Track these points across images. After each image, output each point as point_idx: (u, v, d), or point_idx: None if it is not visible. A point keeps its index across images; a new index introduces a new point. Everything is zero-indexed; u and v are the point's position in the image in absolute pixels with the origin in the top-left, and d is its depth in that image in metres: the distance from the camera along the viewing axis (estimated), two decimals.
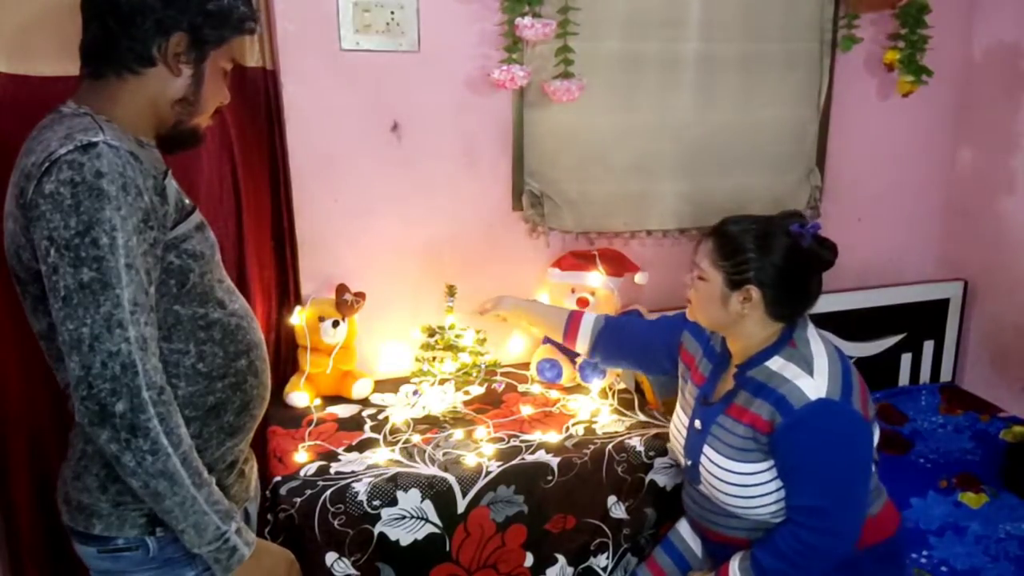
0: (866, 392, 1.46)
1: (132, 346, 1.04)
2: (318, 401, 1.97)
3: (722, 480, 1.47)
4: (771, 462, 1.43)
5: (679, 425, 1.62)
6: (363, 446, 1.77)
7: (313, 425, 1.86)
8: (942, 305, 2.62)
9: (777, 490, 1.44)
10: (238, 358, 1.25)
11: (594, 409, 1.96)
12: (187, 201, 1.23)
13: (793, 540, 1.40)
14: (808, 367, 1.41)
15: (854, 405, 1.40)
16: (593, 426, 1.89)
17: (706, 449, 1.50)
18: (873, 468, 1.49)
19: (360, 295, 2.00)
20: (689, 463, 1.57)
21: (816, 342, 1.46)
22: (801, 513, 1.41)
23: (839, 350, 1.47)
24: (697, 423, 1.55)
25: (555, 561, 1.76)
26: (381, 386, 2.05)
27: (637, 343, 1.79)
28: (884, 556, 1.52)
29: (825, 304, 1.58)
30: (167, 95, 1.18)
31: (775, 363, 1.44)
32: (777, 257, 1.43)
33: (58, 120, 1.11)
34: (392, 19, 1.93)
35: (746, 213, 1.55)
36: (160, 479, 1.07)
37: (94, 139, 1.04)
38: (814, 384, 1.39)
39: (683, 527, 1.72)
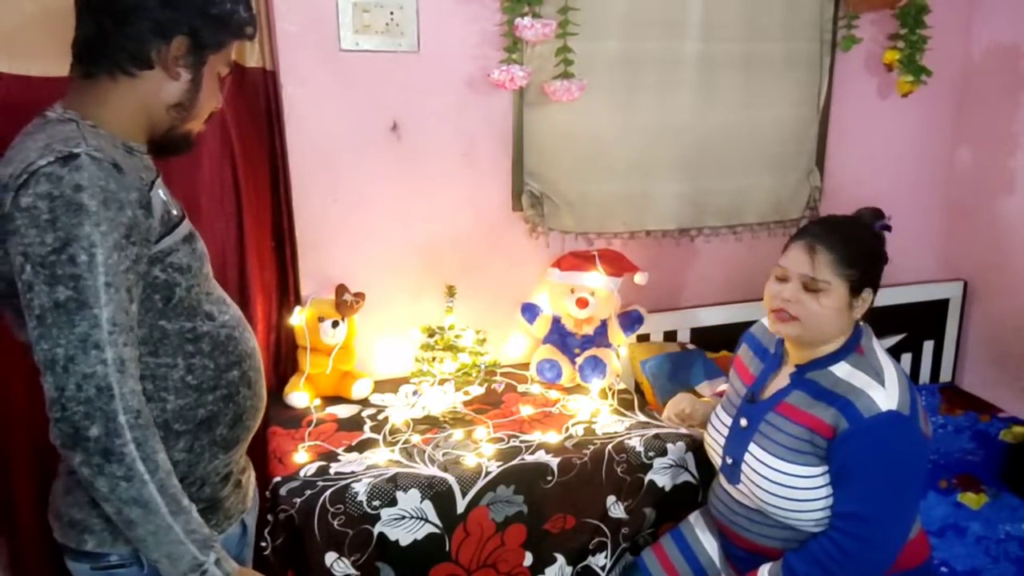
0: (925, 412, 1.44)
1: (109, 368, 1.00)
2: (318, 401, 1.97)
3: (767, 479, 1.44)
4: (824, 468, 1.40)
5: (718, 424, 1.59)
6: (363, 446, 1.77)
7: (313, 425, 1.86)
8: (942, 305, 2.63)
9: (826, 497, 1.41)
10: (229, 369, 1.22)
11: (594, 409, 1.96)
12: (175, 212, 1.19)
13: (832, 547, 1.37)
14: (879, 377, 1.39)
15: (920, 423, 1.38)
16: (593, 426, 1.89)
17: (752, 447, 1.47)
18: None
19: (360, 295, 2.00)
20: (730, 461, 1.53)
21: (882, 353, 1.46)
22: (846, 520, 1.38)
23: (902, 367, 1.47)
24: (743, 421, 1.52)
25: (554, 561, 1.76)
26: (381, 386, 2.05)
27: None
28: None
29: None
30: (162, 99, 1.15)
31: (841, 369, 1.43)
32: (877, 256, 1.49)
33: (41, 127, 1.07)
34: (392, 19, 1.93)
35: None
36: (133, 506, 1.03)
37: (75, 150, 1.00)
38: (886, 395, 1.37)
39: (698, 524, 1.70)
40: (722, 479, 1.59)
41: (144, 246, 1.08)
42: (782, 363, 1.55)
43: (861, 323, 1.50)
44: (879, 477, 1.36)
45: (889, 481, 1.36)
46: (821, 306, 1.43)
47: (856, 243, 1.46)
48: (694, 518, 1.73)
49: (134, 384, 1.04)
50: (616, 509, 1.78)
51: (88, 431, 0.99)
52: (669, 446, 1.82)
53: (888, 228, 1.52)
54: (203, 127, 1.26)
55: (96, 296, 0.99)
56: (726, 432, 1.57)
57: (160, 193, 1.15)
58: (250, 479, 1.38)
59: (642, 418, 1.94)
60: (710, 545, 1.67)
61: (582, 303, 2.08)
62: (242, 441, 1.29)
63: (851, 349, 1.44)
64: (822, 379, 1.43)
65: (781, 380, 1.52)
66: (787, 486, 1.42)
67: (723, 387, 1.69)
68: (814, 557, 1.38)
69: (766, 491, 1.44)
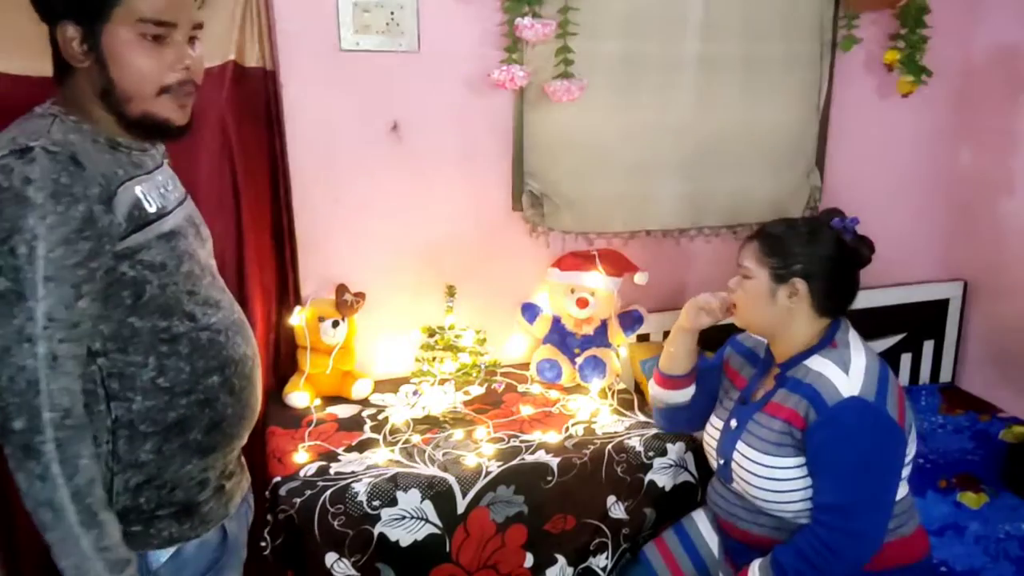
0: (903, 400, 1.47)
1: (39, 363, 0.99)
2: (318, 401, 1.97)
3: (753, 474, 1.48)
4: (803, 459, 1.44)
5: (713, 429, 1.64)
6: (363, 446, 1.77)
7: (313, 425, 1.86)
8: (942, 305, 2.63)
9: (805, 488, 1.45)
10: (209, 375, 1.18)
11: (594, 409, 1.96)
12: (151, 209, 1.13)
13: (814, 539, 1.40)
14: (845, 366, 1.44)
15: (887, 408, 1.41)
16: (593, 426, 1.89)
17: (739, 445, 1.52)
18: (907, 487, 1.51)
19: (360, 295, 2.00)
20: (722, 462, 1.59)
21: (857, 345, 1.49)
22: (824, 511, 1.41)
23: (881, 358, 1.50)
24: (733, 422, 1.58)
25: (555, 561, 1.76)
26: (381, 386, 2.05)
27: (710, 386, 1.75)
28: None
29: None
30: (93, 88, 1.10)
31: (814, 362, 1.47)
32: (822, 250, 1.50)
33: (20, 122, 1.07)
34: (392, 19, 1.93)
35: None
36: (46, 508, 1.01)
37: (32, 143, 1.00)
38: (848, 382, 1.41)
39: (701, 520, 1.72)
40: (719, 479, 1.63)
41: (102, 242, 1.05)
42: (771, 366, 1.59)
43: (842, 319, 1.54)
44: (849, 465, 1.39)
45: (859, 468, 1.39)
46: (745, 292, 1.54)
47: (789, 236, 1.51)
48: (697, 513, 1.75)
49: (68, 382, 1.02)
50: (616, 509, 1.78)
51: (12, 423, 0.99)
52: (669, 446, 1.82)
53: (846, 227, 1.52)
54: (175, 104, 1.13)
55: (33, 289, 0.99)
56: (718, 435, 1.61)
57: (137, 189, 1.12)
58: (238, 485, 1.32)
59: (642, 418, 1.93)
60: (711, 539, 1.69)
61: (582, 303, 2.08)
62: (222, 448, 1.24)
63: (825, 344, 1.50)
64: (797, 373, 1.49)
65: (769, 382, 1.57)
66: (770, 478, 1.46)
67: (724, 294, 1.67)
68: (799, 549, 1.42)
69: (754, 486, 1.49)
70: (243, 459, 1.37)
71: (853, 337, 1.52)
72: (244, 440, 1.30)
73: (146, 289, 1.11)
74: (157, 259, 1.12)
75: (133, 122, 1.12)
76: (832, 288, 1.50)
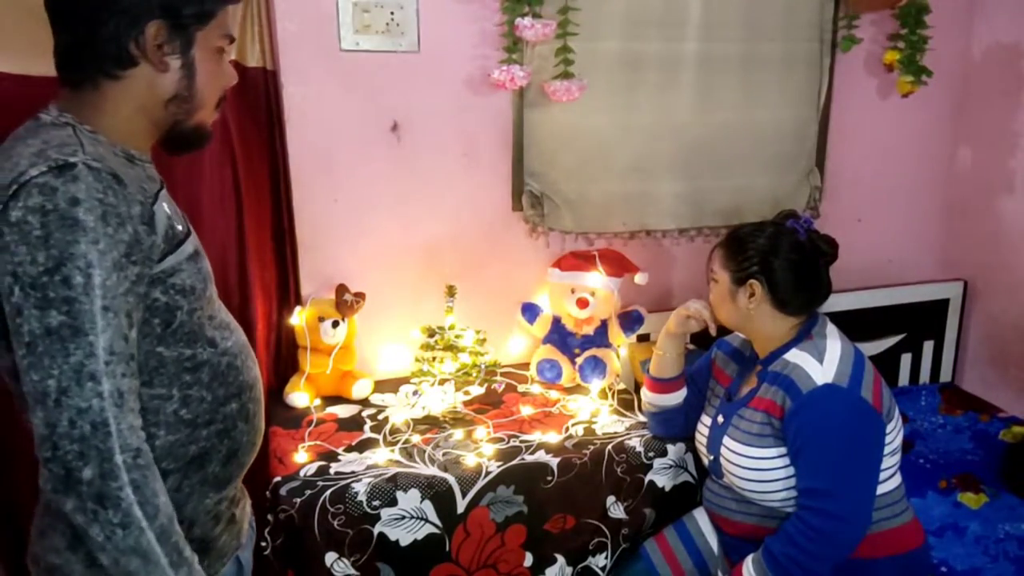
0: (881, 386, 1.51)
1: (106, 402, 0.91)
2: (318, 401, 1.97)
3: (739, 467, 1.53)
4: (784, 448, 1.49)
5: (702, 427, 1.69)
6: (363, 446, 1.78)
7: (313, 425, 1.86)
8: (942, 305, 2.63)
9: (788, 477, 1.49)
10: (228, 402, 1.12)
11: (594, 409, 1.96)
12: (179, 227, 1.07)
13: (800, 523, 1.44)
14: (819, 356, 1.49)
15: (862, 392, 1.45)
16: (593, 426, 1.89)
17: (726, 440, 1.57)
18: (900, 478, 1.55)
19: (360, 295, 2.00)
20: (711, 458, 1.64)
21: (833, 337, 1.55)
22: (807, 496, 1.46)
23: (858, 349, 1.55)
24: (720, 418, 1.63)
25: (554, 561, 1.76)
26: (381, 386, 2.05)
27: (701, 388, 1.78)
28: (906, 568, 1.55)
29: (826, 304, 1.62)
30: (157, 95, 1.04)
31: (792, 355, 1.53)
32: (781, 252, 1.55)
33: (34, 131, 0.98)
34: (392, 19, 1.93)
35: (747, 217, 1.64)
36: (132, 556, 0.94)
37: (72, 159, 0.91)
38: (822, 370, 1.47)
39: (701, 518, 1.74)
40: (711, 476, 1.68)
41: (145, 265, 0.98)
42: (755, 363, 1.64)
43: (819, 314, 1.60)
44: (826, 449, 1.44)
45: (836, 451, 1.44)
46: (712, 295, 1.64)
47: (751, 239, 1.58)
48: (698, 511, 1.77)
49: (133, 419, 0.95)
50: (616, 509, 1.79)
51: (81, 472, 0.90)
52: (669, 446, 1.82)
53: (798, 227, 1.57)
54: (216, 114, 1.13)
55: (92, 321, 0.90)
56: (708, 432, 1.66)
57: (164, 206, 1.05)
58: (244, 511, 1.27)
59: (642, 418, 1.93)
60: (712, 537, 1.71)
61: (582, 303, 2.08)
62: (235, 479, 1.19)
63: (802, 338, 1.55)
64: (777, 367, 1.54)
65: (752, 379, 1.62)
66: (755, 469, 1.51)
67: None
68: (788, 536, 1.45)
69: (741, 478, 1.54)
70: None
71: (831, 330, 1.57)
72: (248, 468, 1.25)
73: (176, 316, 1.04)
74: (187, 282, 1.06)
75: (184, 132, 1.09)
76: (790, 287, 1.55)
